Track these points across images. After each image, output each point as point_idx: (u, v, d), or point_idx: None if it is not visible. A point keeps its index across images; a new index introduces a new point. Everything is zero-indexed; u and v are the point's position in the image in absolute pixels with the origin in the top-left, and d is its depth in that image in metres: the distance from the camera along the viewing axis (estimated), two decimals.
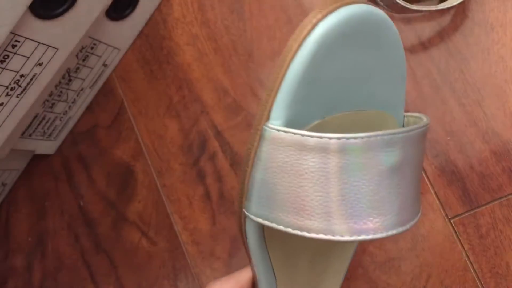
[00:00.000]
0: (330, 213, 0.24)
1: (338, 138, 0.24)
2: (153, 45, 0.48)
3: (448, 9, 0.41)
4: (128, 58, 0.48)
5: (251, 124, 0.45)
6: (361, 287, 0.41)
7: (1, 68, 0.35)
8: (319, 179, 0.24)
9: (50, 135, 0.48)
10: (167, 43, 0.47)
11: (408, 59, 0.41)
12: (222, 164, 0.45)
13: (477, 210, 0.40)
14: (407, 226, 0.26)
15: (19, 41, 0.35)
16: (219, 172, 0.45)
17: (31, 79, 0.38)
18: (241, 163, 0.45)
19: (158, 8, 0.48)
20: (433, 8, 0.39)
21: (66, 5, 0.35)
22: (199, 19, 0.47)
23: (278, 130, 0.25)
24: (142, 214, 0.47)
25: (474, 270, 0.40)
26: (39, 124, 0.45)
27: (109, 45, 0.45)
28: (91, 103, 0.49)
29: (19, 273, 0.50)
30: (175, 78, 0.47)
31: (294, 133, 0.24)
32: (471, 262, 0.40)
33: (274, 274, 0.31)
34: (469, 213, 0.40)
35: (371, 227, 0.25)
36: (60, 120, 0.47)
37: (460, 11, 0.41)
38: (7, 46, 0.34)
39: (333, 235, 0.24)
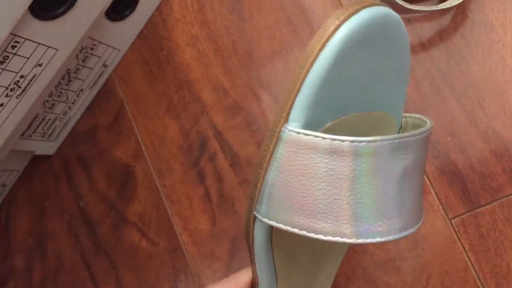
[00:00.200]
0: (356, 216, 0.24)
1: (359, 142, 0.24)
2: (153, 46, 0.48)
3: (448, 9, 0.41)
4: (128, 59, 0.48)
5: (251, 124, 0.45)
6: (361, 287, 0.41)
7: (1, 69, 0.35)
8: (334, 181, 0.24)
9: (50, 135, 0.48)
10: (167, 43, 0.47)
11: None
12: (222, 165, 0.45)
13: (477, 210, 0.40)
14: (414, 229, 0.26)
15: (18, 42, 0.34)
16: (219, 173, 0.45)
17: (31, 80, 0.38)
18: (240, 163, 0.45)
19: (158, 9, 0.48)
20: (433, 8, 0.39)
21: (65, 6, 0.35)
22: (199, 20, 0.47)
23: (298, 133, 0.25)
24: (142, 214, 0.47)
25: (475, 271, 0.40)
26: (39, 125, 0.45)
27: (109, 46, 0.45)
28: (91, 103, 0.49)
29: (19, 274, 0.50)
30: (175, 78, 0.47)
31: (316, 136, 0.24)
32: (471, 263, 0.40)
33: (276, 276, 0.31)
34: (469, 213, 0.40)
35: (380, 230, 0.25)
36: (60, 120, 0.47)
37: (460, 11, 0.41)
38: (6, 47, 0.34)
39: (345, 238, 0.24)
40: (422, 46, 0.41)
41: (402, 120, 0.31)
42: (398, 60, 0.28)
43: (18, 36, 0.34)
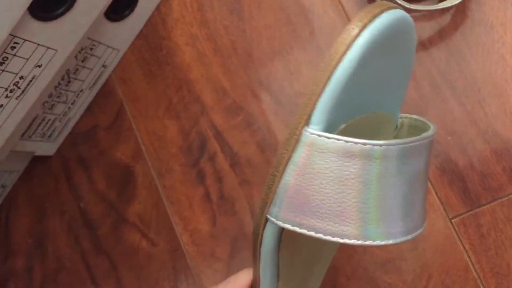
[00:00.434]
0: (366, 219, 0.24)
1: (380, 145, 0.24)
2: (152, 46, 0.48)
3: (448, 8, 0.41)
4: (128, 59, 0.48)
5: (251, 124, 0.45)
6: (362, 287, 0.41)
7: (0, 70, 0.35)
8: (359, 185, 0.24)
9: (49, 136, 0.48)
10: (167, 43, 0.47)
11: None
12: (222, 165, 0.45)
13: (478, 210, 0.40)
14: (416, 233, 0.27)
15: (18, 43, 0.34)
16: (219, 173, 0.45)
17: (31, 81, 0.38)
18: (240, 164, 0.45)
19: (157, 9, 0.48)
20: (433, 7, 0.39)
21: (65, 7, 0.35)
22: (198, 20, 0.47)
23: (319, 136, 0.24)
24: (142, 215, 0.47)
25: (475, 270, 0.40)
26: (38, 126, 0.45)
27: (108, 46, 0.45)
28: (91, 104, 0.49)
29: (19, 275, 0.50)
30: (175, 78, 0.47)
31: (338, 139, 0.24)
32: (472, 262, 0.40)
33: (278, 276, 0.31)
34: (470, 213, 0.40)
35: (399, 230, 0.25)
36: (60, 121, 0.47)
37: (460, 11, 0.41)
38: (6, 48, 0.34)
39: (367, 241, 0.25)
40: (422, 46, 0.41)
41: (398, 121, 0.31)
42: (405, 62, 0.28)
43: (18, 37, 0.34)
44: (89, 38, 0.42)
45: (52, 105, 0.45)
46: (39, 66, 0.38)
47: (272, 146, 0.44)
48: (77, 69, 0.44)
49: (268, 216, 0.27)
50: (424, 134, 0.26)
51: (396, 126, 0.31)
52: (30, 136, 0.45)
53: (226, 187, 0.45)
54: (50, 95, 0.44)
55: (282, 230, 0.28)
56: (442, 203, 0.40)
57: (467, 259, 0.40)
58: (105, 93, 0.49)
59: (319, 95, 0.24)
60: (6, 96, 0.37)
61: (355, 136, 0.24)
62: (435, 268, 0.40)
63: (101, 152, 0.49)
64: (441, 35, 0.41)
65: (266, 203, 0.27)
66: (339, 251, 0.37)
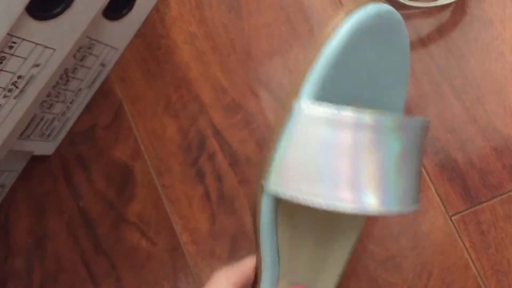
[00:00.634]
0: (359, 184, 0.25)
1: (370, 116, 0.25)
2: (150, 44, 0.48)
3: (447, 5, 0.41)
4: (126, 58, 0.48)
5: (250, 122, 0.45)
6: (362, 286, 0.41)
7: None
8: (350, 153, 0.25)
9: (48, 136, 0.48)
10: (165, 42, 0.47)
11: None
12: (221, 164, 0.45)
13: (478, 207, 0.40)
14: (417, 206, 0.28)
15: (16, 43, 0.34)
16: (218, 172, 0.45)
17: (29, 81, 0.38)
18: (239, 162, 0.45)
19: (156, 7, 0.47)
20: (431, 4, 0.39)
21: (63, 6, 0.34)
22: (197, 18, 0.46)
23: (310, 106, 0.26)
24: (141, 214, 0.47)
25: (475, 268, 0.40)
26: (37, 125, 0.45)
27: (106, 45, 0.45)
28: (89, 103, 0.49)
29: (19, 275, 0.49)
30: (173, 77, 0.47)
31: (328, 108, 0.26)
32: (472, 260, 0.40)
33: (278, 256, 0.32)
34: (469, 210, 0.40)
35: (392, 200, 0.26)
36: (59, 120, 0.47)
37: (459, 7, 0.41)
38: (4, 48, 0.34)
39: (363, 207, 0.25)
40: (421, 43, 0.41)
41: None
42: (398, 58, 0.29)
43: (15, 36, 0.34)
44: (87, 37, 0.42)
45: (51, 105, 0.45)
46: (37, 66, 0.38)
47: None
48: (75, 68, 0.44)
49: (264, 186, 0.28)
50: (414, 117, 0.27)
51: None
52: (28, 136, 0.45)
53: (226, 186, 0.45)
54: (49, 95, 0.44)
55: (278, 204, 0.29)
56: (442, 201, 0.40)
57: (467, 256, 0.40)
58: (103, 92, 0.49)
59: (308, 70, 0.26)
60: (4, 96, 0.37)
61: None
62: (435, 266, 0.40)
63: (100, 151, 0.49)
64: (440, 32, 0.41)
65: (261, 173, 0.28)
66: None
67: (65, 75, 0.44)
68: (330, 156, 0.25)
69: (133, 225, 0.47)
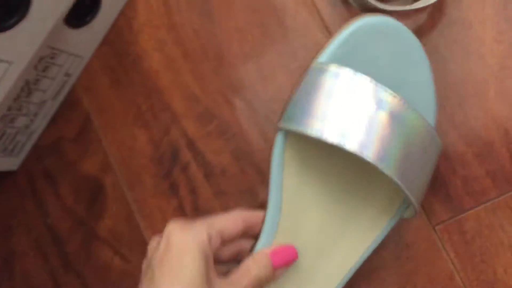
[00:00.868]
0: (316, 116, 0.32)
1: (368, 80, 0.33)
2: (118, 52, 0.45)
3: (425, 7, 0.39)
4: (92, 66, 0.46)
5: (225, 132, 0.43)
6: None
7: None
8: (326, 94, 0.33)
9: (12, 150, 0.45)
10: (133, 49, 0.45)
11: None
12: (196, 175, 0.43)
13: (461, 215, 0.38)
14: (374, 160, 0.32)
15: None
16: (192, 184, 0.43)
17: None
18: (214, 174, 0.43)
19: (122, 13, 0.45)
20: (407, 8, 0.38)
21: (16, 17, 0.32)
22: (166, 23, 0.44)
23: (320, 64, 0.34)
24: (113, 230, 0.45)
25: (461, 278, 0.38)
26: None
27: (70, 54, 0.43)
28: (55, 115, 0.47)
29: None
30: (143, 86, 0.45)
31: (335, 67, 0.34)
32: (457, 270, 0.38)
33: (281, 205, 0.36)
34: (453, 219, 0.39)
35: (353, 140, 0.32)
36: (22, 134, 0.45)
37: (437, 9, 0.40)
38: None
39: (314, 130, 0.32)
40: None
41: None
42: (414, 72, 0.35)
43: None
44: (49, 47, 0.40)
45: (12, 119, 0.42)
46: None
47: (247, 155, 0.42)
48: (37, 79, 0.42)
49: (278, 125, 0.35)
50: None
51: None
52: None
53: (201, 199, 0.43)
54: (10, 108, 0.41)
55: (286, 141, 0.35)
56: (424, 210, 0.39)
57: (452, 267, 0.39)
58: (70, 103, 0.46)
59: (327, 45, 0.35)
60: None
61: None
62: (419, 278, 0.39)
63: (67, 165, 0.46)
64: (418, 34, 0.40)
65: (280, 118, 0.35)
66: None
67: (26, 87, 0.41)
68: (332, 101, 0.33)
69: (104, 241, 0.45)
